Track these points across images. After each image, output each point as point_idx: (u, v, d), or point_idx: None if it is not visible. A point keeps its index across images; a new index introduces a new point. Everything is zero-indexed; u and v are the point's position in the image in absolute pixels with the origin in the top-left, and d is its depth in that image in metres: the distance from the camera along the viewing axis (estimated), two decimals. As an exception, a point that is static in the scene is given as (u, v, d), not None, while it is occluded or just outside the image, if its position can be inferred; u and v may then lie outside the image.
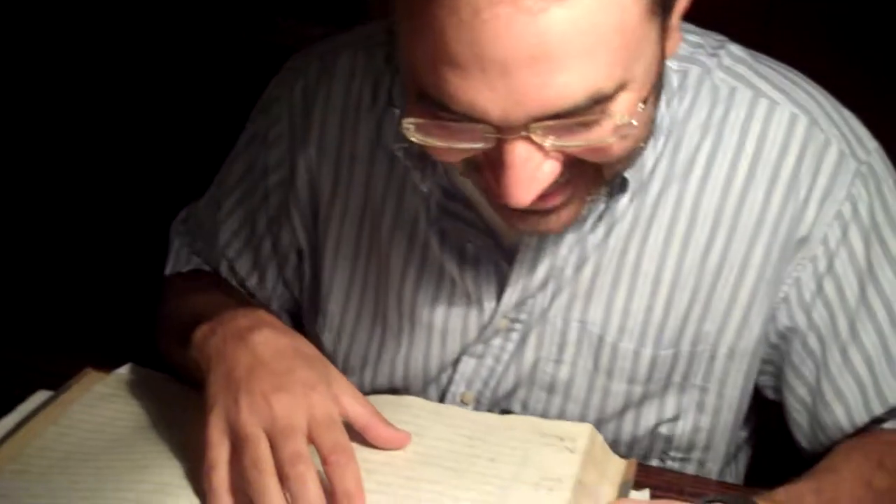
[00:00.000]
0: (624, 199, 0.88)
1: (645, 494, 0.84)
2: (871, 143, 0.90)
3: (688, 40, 0.89)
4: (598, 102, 0.69)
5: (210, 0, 1.83)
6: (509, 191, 0.72)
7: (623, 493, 0.82)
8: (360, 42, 0.96)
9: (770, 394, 0.95)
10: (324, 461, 0.77)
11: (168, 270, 1.09)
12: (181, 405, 0.90)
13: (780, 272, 0.89)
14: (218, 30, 1.68)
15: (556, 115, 0.69)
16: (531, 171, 0.72)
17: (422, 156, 0.87)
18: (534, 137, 0.70)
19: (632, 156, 0.78)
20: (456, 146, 0.73)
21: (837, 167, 0.87)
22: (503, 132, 0.70)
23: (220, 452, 0.77)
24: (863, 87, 1.22)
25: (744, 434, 1.01)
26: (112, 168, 1.85)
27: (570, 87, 0.67)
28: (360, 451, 0.81)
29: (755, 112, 0.87)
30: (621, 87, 0.69)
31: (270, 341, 0.83)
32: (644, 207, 0.88)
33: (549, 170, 0.72)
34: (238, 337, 0.83)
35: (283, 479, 0.75)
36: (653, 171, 0.88)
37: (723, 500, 0.74)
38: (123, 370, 0.99)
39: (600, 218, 0.88)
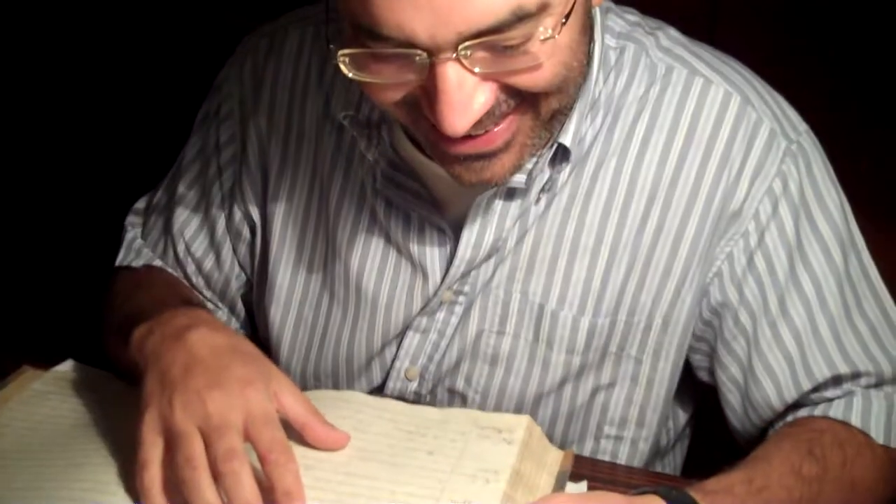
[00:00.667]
0: (565, 171, 0.89)
1: (582, 486, 0.85)
2: (802, 125, 0.93)
3: (626, 18, 0.92)
4: (521, 19, 0.72)
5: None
6: (445, 119, 0.74)
7: (560, 483, 0.83)
8: (310, 18, 0.98)
9: (704, 376, 0.96)
10: (262, 459, 0.76)
11: (118, 261, 1.09)
12: (121, 403, 0.90)
13: (712, 247, 0.91)
14: (219, 18, 1.66)
15: (482, 33, 0.72)
16: (465, 96, 0.74)
17: (367, 124, 0.89)
18: (464, 61, 0.73)
19: (564, 87, 0.80)
20: (391, 80, 0.75)
21: (769, 145, 0.90)
22: (433, 55, 0.72)
23: (152, 451, 0.77)
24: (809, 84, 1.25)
25: (681, 423, 1.03)
26: (57, 158, 1.83)
27: (492, 3, 0.71)
28: (298, 448, 0.81)
29: (691, 90, 0.90)
30: (543, 8, 0.73)
31: (207, 339, 0.83)
32: (583, 181, 0.90)
33: (484, 97, 0.75)
34: (175, 336, 0.83)
35: (216, 476, 0.75)
36: (591, 146, 0.90)
37: (656, 491, 0.75)
38: (63, 367, 0.98)
39: (542, 189, 0.90)
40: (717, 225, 0.90)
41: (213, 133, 1.02)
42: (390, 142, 0.91)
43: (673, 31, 0.94)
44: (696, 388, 1.01)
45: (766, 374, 0.91)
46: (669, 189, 0.90)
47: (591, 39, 0.85)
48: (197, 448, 0.76)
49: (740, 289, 0.91)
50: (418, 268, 0.94)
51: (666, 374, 0.95)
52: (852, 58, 1.43)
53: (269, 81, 0.98)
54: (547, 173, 0.89)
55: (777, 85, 0.95)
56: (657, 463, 1.02)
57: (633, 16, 0.93)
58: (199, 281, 1.06)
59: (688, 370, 0.97)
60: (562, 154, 0.88)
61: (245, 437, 0.77)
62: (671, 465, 1.04)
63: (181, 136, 1.08)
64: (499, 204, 0.90)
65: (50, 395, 0.94)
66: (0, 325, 1.51)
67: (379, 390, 0.98)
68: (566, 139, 0.87)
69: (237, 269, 1.05)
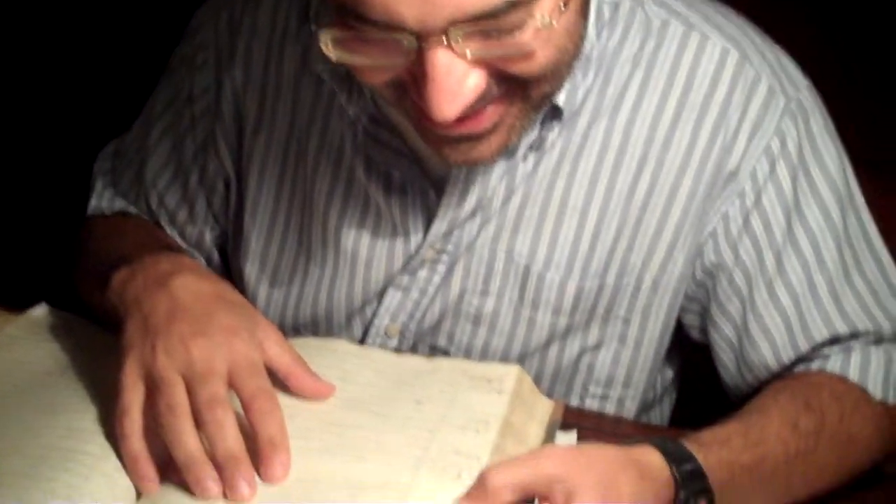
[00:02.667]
0: (555, 130, 0.87)
1: (572, 436, 0.83)
2: (802, 81, 0.90)
3: None
4: (515, 6, 0.69)
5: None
6: (433, 105, 0.71)
7: (551, 433, 0.81)
8: None
9: (696, 334, 0.95)
10: (246, 407, 0.74)
11: (90, 210, 1.06)
12: (98, 349, 0.87)
13: (707, 207, 0.88)
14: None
15: (474, 19, 0.68)
16: (455, 82, 0.71)
17: (348, 77, 0.86)
18: (454, 46, 0.69)
19: (558, 72, 0.77)
20: (377, 63, 0.72)
21: (767, 102, 0.87)
22: (422, 40, 0.69)
23: (133, 397, 0.75)
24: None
25: (668, 376, 1.01)
26: (31, 98, 1.78)
27: None
28: (283, 397, 0.79)
29: (687, 46, 0.87)
30: None
31: (191, 286, 0.80)
32: (573, 139, 0.88)
33: (474, 83, 0.72)
34: (158, 282, 0.81)
35: (199, 424, 0.73)
36: (582, 104, 0.87)
37: (649, 442, 0.73)
38: (36, 312, 0.95)
39: (531, 148, 0.87)
40: (712, 185, 0.88)
41: (187, 82, 0.98)
42: (371, 95, 0.88)
43: None
44: (685, 344, 0.99)
45: (762, 336, 0.89)
46: (663, 148, 0.87)
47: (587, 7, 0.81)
48: (179, 395, 0.73)
49: (735, 249, 0.89)
50: (399, 226, 0.91)
51: (655, 335, 0.93)
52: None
53: (246, 31, 0.94)
54: (536, 131, 0.86)
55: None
56: (644, 416, 1.00)
57: None
58: (173, 232, 1.03)
59: (677, 328, 0.95)
60: (552, 112, 0.85)
61: (229, 385, 0.75)
62: (658, 417, 1.03)
63: (150, 77, 1.04)
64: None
65: (21, 339, 0.90)
66: None
67: (358, 347, 0.96)
68: (558, 99, 0.84)
69: (212, 222, 1.01)
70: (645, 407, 0.99)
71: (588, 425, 0.86)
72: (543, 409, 0.83)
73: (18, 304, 0.95)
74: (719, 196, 0.88)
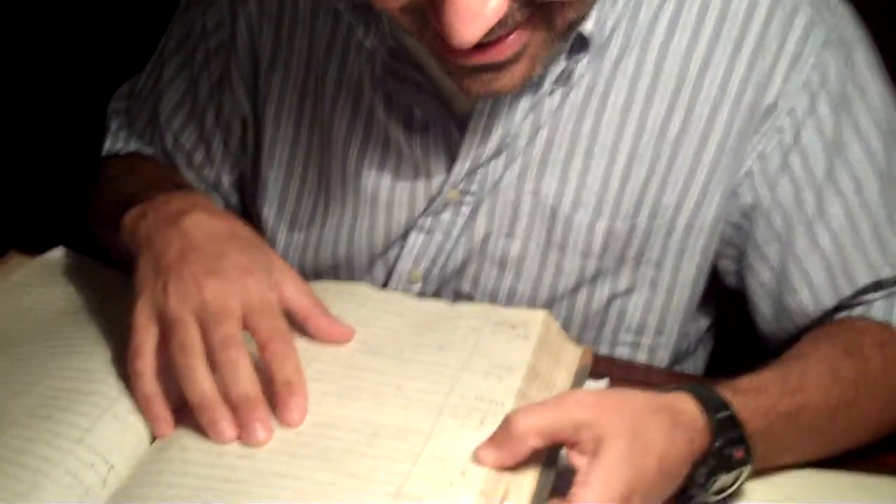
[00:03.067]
0: (582, 62, 0.83)
1: (602, 385, 0.80)
2: (844, 11, 0.86)
3: None
4: None
5: None
6: (453, 28, 0.67)
7: (579, 381, 0.78)
8: None
9: (731, 280, 0.91)
10: (261, 348, 0.72)
11: (105, 151, 1.03)
12: (112, 291, 0.85)
13: (743, 144, 0.84)
14: None
15: None
16: (475, 4, 0.67)
17: (365, 8, 0.82)
18: None
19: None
20: None
21: (806, 34, 0.83)
22: None
23: (146, 338, 0.72)
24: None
25: (703, 325, 0.98)
26: (47, 40, 1.75)
27: None
28: (300, 341, 0.76)
29: None
30: None
31: (204, 224, 0.77)
32: (602, 73, 0.84)
33: (495, 5, 0.68)
34: (170, 221, 0.78)
35: (213, 365, 0.70)
36: (611, 34, 0.83)
37: (683, 388, 0.70)
38: (52, 254, 0.93)
39: (557, 81, 0.83)
40: (748, 121, 0.84)
41: (200, 18, 0.95)
42: (390, 28, 0.84)
43: None
44: (721, 290, 0.95)
45: (801, 281, 0.85)
46: (697, 81, 0.83)
47: None
48: (192, 335, 0.71)
49: (773, 189, 0.85)
50: (421, 166, 0.88)
51: (688, 280, 0.89)
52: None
53: None
54: (562, 63, 0.82)
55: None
56: (677, 367, 0.97)
57: None
58: (190, 174, 1.00)
59: (712, 273, 0.91)
60: (579, 43, 0.81)
61: (244, 326, 0.72)
62: (692, 369, 0.99)
63: (166, 16, 1.01)
64: (508, 97, 0.84)
65: (35, 282, 0.88)
66: None
67: (380, 293, 0.93)
68: (585, 27, 0.80)
69: (229, 164, 0.99)
70: (678, 357, 0.95)
71: (618, 374, 0.82)
72: (571, 355, 0.80)
73: (38, 249, 0.93)
74: (756, 133, 0.84)
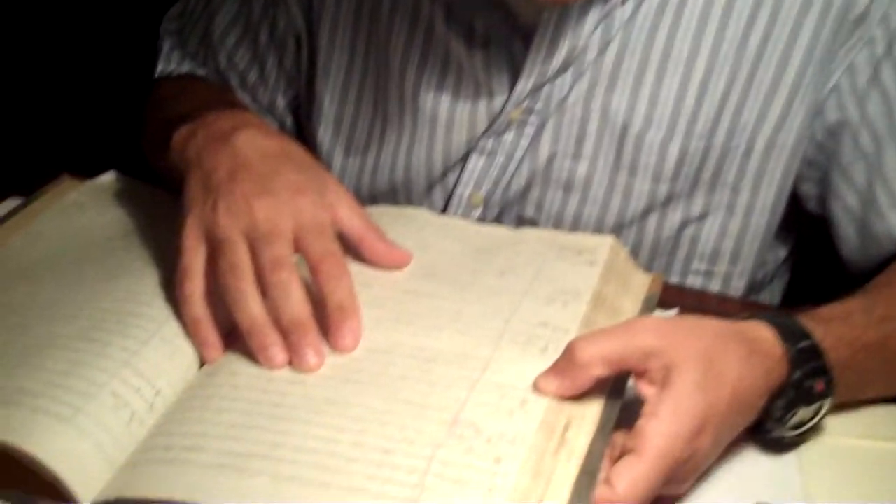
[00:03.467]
0: None
1: (672, 314, 0.76)
2: None
3: None
4: None
5: None
6: None
7: (647, 309, 0.73)
8: None
9: (813, 206, 0.85)
10: (313, 270, 0.68)
11: (158, 72, 1.01)
12: (163, 214, 0.82)
13: (830, 56, 0.79)
14: None
15: None
16: None
17: None
18: None
19: None
20: None
21: None
22: None
23: (194, 259, 0.70)
24: None
25: (781, 255, 0.92)
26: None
27: None
28: (354, 265, 0.73)
29: None
30: None
31: (256, 142, 0.74)
32: None
33: None
34: (220, 138, 0.75)
35: (263, 287, 0.67)
36: None
37: (760, 318, 0.65)
38: (104, 178, 0.91)
39: None
40: (836, 31, 0.78)
41: None
42: None
43: None
44: (800, 217, 0.90)
45: (890, 205, 0.80)
46: None
47: None
48: (242, 256, 0.68)
49: (862, 105, 0.79)
50: (482, 83, 0.84)
51: (767, 205, 0.84)
52: None
53: None
54: None
55: None
56: (752, 297, 0.92)
57: None
58: (244, 96, 0.97)
59: (792, 198, 0.86)
60: None
61: (295, 247, 0.69)
62: (768, 301, 0.94)
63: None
64: (576, 8, 0.79)
65: (87, 205, 0.86)
66: (42, 135, 1.45)
67: (440, 219, 0.90)
68: None
69: (284, 84, 0.96)
70: (753, 287, 0.91)
71: (689, 304, 0.77)
72: (640, 282, 0.76)
73: (88, 174, 0.92)
74: (844, 44, 0.78)
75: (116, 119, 1.27)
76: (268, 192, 0.70)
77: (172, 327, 0.69)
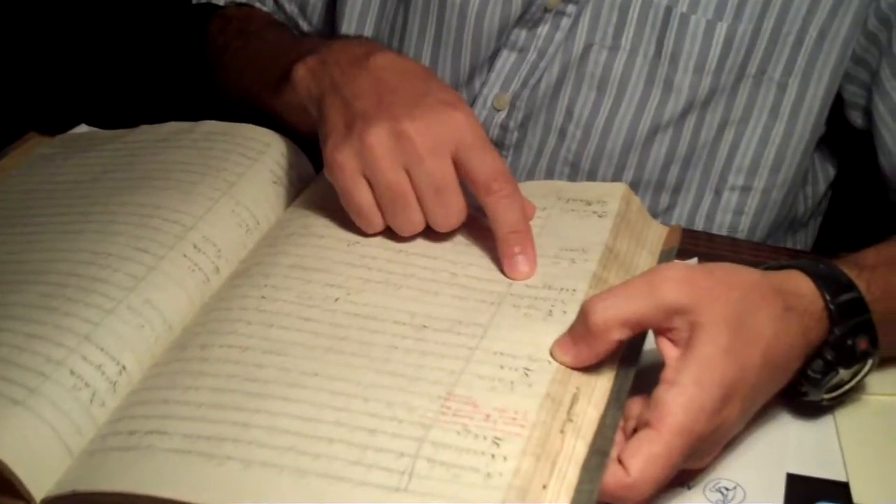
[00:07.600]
0: None
1: (693, 264, 0.68)
2: None
3: None
4: None
5: None
6: None
7: (665, 262, 0.66)
8: None
9: (857, 118, 0.79)
10: (481, 190, 0.63)
11: None
12: (140, 159, 0.75)
13: None
14: None
15: None
16: None
17: None
18: None
19: None
20: None
21: None
22: None
23: (363, 197, 0.65)
24: None
25: (820, 190, 0.86)
26: None
27: None
28: (342, 223, 0.67)
29: None
30: None
31: (395, 63, 0.69)
32: None
33: None
34: (355, 63, 0.69)
35: (427, 213, 0.64)
36: None
37: (797, 266, 0.58)
38: (74, 130, 0.84)
39: None
40: None
41: None
42: None
43: None
44: (841, 149, 0.83)
45: None
46: None
47: None
48: (402, 184, 0.63)
49: None
50: None
51: (815, 106, 0.78)
52: None
53: None
54: None
55: None
56: (788, 238, 0.85)
57: None
58: None
59: (835, 115, 0.79)
60: None
61: (456, 167, 0.63)
62: (802, 242, 0.87)
63: None
64: None
65: (55, 156, 0.79)
66: (7, 93, 1.38)
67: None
68: None
69: (321, 4, 0.92)
70: (791, 222, 0.84)
71: (719, 253, 0.71)
72: (655, 234, 0.69)
73: (57, 131, 0.85)
74: None
75: (87, 78, 1.20)
76: (421, 110, 0.64)
77: (142, 294, 0.62)
